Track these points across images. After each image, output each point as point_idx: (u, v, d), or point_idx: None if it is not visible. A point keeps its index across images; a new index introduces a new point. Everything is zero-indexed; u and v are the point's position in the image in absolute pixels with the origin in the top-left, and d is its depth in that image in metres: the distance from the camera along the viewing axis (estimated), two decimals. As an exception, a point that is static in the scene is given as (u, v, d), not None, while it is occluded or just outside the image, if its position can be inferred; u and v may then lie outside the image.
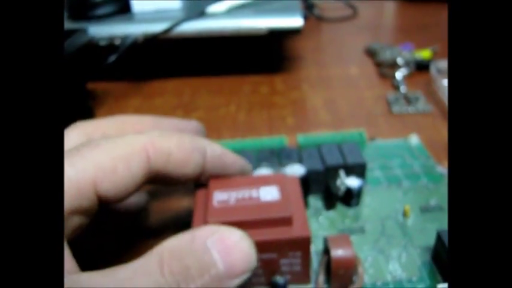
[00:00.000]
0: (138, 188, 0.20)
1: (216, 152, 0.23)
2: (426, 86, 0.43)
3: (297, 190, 0.23)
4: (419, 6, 0.64)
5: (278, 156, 0.29)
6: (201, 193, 0.23)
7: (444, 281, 0.22)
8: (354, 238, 0.25)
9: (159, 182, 0.22)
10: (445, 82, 0.42)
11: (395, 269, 0.23)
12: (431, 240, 0.25)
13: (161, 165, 0.20)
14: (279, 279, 0.22)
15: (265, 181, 0.23)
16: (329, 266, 0.22)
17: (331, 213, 0.27)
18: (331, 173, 0.28)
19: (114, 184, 0.19)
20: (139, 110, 0.43)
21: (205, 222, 0.21)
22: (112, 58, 0.42)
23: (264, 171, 0.27)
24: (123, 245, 0.27)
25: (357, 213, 0.27)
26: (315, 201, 0.28)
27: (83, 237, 0.21)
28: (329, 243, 0.22)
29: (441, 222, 0.26)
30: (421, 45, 0.51)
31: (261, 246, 0.20)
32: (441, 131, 0.36)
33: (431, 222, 0.26)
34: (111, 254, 0.26)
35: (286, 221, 0.21)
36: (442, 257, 0.22)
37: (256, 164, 0.28)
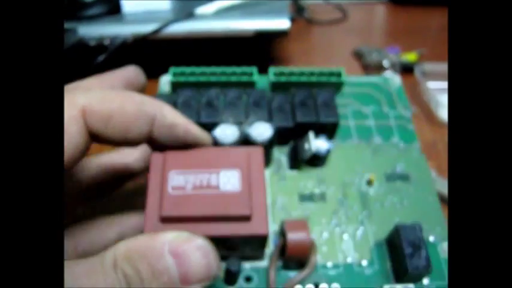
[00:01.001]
0: (83, 152, 0.20)
1: (166, 121, 0.21)
2: (411, 88, 0.43)
3: (259, 169, 0.22)
4: (408, 10, 0.64)
5: (246, 104, 0.26)
6: (156, 165, 0.21)
7: (393, 266, 0.23)
8: (313, 207, 0.25)
9: (105, 143, 0.20)
10: (429, 84, 0.43)
11: (348, 249, 0.24)
12: (390, 217, 0.25)
13: (100, 129, 0.19)
14: (233, 265, 0.22)
15: (226, 161, 0.21)
16: (284, 249, 0.22)
17: (294, 172, 0.26)
18: (300, 130, 0.26)
19: None
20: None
21: (159, 214, 0.20)
22: (101, 58, 0.42)
23: (227, 129, 0.25)
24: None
25: (320, 175, 0.26)
26: (279, 154, 0.27)
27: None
28: (286, 227, 0.22)
29: (403, 194, 0.26)
30: (408, 49, 0.51)
31: (217, 240, 0.20)
32: (425, 132, 0.36)
33: (394, 194, 0.26)
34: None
35: (245, 218, 0.20)
36: (396, 246, 0.23)
37: (222, 109, 0.26)
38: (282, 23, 0.42)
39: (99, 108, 0.19)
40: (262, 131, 0.24)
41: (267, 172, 0.26)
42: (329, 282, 0.23)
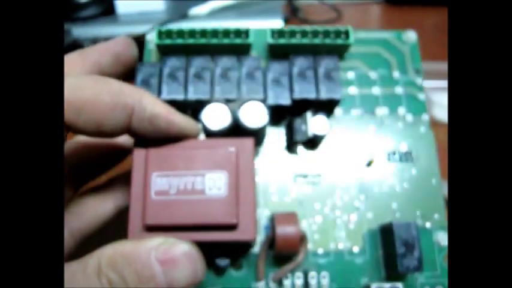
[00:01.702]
0: None
1: (146, 112, 0.19)
2: None
3: (248, 167, 0.20)
4: (402, 10, 0.63)
5: (238, 77, 0.23)
6: (138, 164, 0.20)
7: (384, 259, 0.23)
8: (308, 190, 0.24)
9: (79, 133, 0.19)
10: (423, 83, 0.39)
11: (340, 236, 0.23)
12: (387, 202, 0.24)
13: (71, 119, 0.18)
14: (221, 261, 0.21)
15: (213, 160, 0.20)
16: (273, 242, 0.22)
17: (289, 152, 0.25)
18: (298, 107, 0.23)
19: None
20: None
21: (143, 222, 0.19)
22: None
23: (216, 111, 0.22)
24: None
25: (317, 154, 0.24)
26: (274, 132, 0.25)
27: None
28: (275, 222, 0.21)
29: (404, 176, 0.24)
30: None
31: (203, 245, 0.19)
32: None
33: (394, 176, 0.24)
34: None
35: (231, 227, 0.19)
36: (389, 243, 0.22)
37: (212, 82, 0.23)
38: (275, 23, 0.44)
39: (70, 97, 0.18)
40: (255, 115, 0.22)
41: (261, 150, 0.24)
42: (318, 271, 0.23)
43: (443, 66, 0.45)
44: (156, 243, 0.18)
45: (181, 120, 0.20)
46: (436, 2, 0.60)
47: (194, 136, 0.21)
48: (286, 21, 0.51)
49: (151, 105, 0.19)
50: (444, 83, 0.46)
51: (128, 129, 0.19)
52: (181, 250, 0.18)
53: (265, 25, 0.42)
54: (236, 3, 0.47)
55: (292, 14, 0.61)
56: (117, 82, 0.19)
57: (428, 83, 0.43)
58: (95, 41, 0.43)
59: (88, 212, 0.22)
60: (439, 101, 0.42)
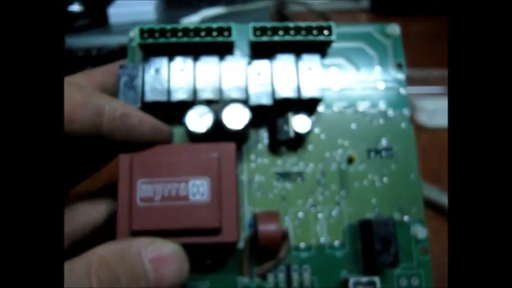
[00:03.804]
0: None
1: (117, 111, 0.20)
2: None
3: (230, 172, 0.21)
4: (388, 19, 0.61)
5: (220, 77, 0.24)
6: (123, 170, 0.21)
7: (363, 253, 0.23)
8: (290, 186, 0.24)
9: None
10: (408, 90, 0.39)
11: (321, 230, 0.24)
12: (367, 197, 0.24)
13: None
14: (207, 261, 0.23)
15: (195, 167, 0.20)
16: (256, 240, 0.22)
17: (272, 150, 0.25)
18: (280, 106, 0.24)
19: None
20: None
21: (130, 227, 0.20)
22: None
23: (199, 113, 0.22)
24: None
25: (299, 152, 0.25)
26: (257, 130, 0.25)
27: None
28: (257, 220, 0.22)
29: (384, 171, 0.25)
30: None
31: (188, 247, 0.20)
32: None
33: (374, 171, 0.25)
34: None
35: (215, 231, 0.20)
36: (367, 239, 0.23)
37: (194, 83, 0.23)
38: None
39: None
40: (237, 116, 0.22)
41: (244, 149, 0.25)
42: (300, 265, 0.24)
43: (427, 73, 0.48)
44: (145, 242, 0.18)
45: (152, 120, 0.21)
46: (420, 11, 0.65)
47: (167, 136, 0.21)
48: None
49: (122, 106, 0.20)
50: (427, 89, 0.48)
51: (99, 131, 0.19)
52: (169, 249, 0.19)
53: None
54: (226, 13, 0.49)
55: (281, 22, 0.61)
56: (90, 87, 0.20)
57: (412, 89, 0.45)
58: (88, 50, 0.44)
59: (80, 217, 0.23)
60: (422, 107, 0.45)
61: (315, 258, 0.23)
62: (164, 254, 0.18)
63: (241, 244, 0.23)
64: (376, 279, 0.22)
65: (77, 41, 0.44)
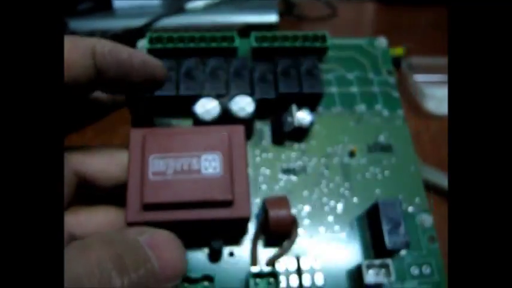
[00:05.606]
0: None
1: (107, 46, 0.20)
2: (398, 81, 0.44)
3: (241, 150, 0.21)
4: (396, 8, 0.65)
5: (226, 75, 0.25)
6: (135, 146, 0.21)
7: (372, 241, 0.23)
8: (295, 179, 0.25)
9: None
10: (416, 78, 0.42)
11: (329, 222, 0.24)
12: (371, 188, 0.25)
13: None
14: (215, 243, 0.22)
15: (207, 143, 0.21)
16: (266, 226, 0.22)
17: (277, 144, 0.26)
18: (283, 101, 0.25)
19: None
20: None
21: (141, 201, 0.20)
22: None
23: (207, 104, 0.24)
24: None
25: (303, 147, 0.26)
26: (262, 125, 0.26)
27: None
28: (267, 205, 0.22)
29: (385, 164, 0.26)
30: (395, 44, 0.51)
31: (199, 223, 0.20)
32: (410, 124, 0.36)
33: (376, 165, 0.25)
34: None
35: (227, 203, 0.20)
36: (375, 222, 0.23)
37: (202, 80, 0.25)
38: (271, 17, 0.45)
39: None
40: (243, 105, 0.24)
41: (249, 144, 0.25)
42: (310, 256, 0.23)
43: (435, 61, 0.48)
44: (138, 230, 0.18)
45: (143, 54, 0.21)
46: (428, 1, 0.62)
47: (159, 70, 0.21)
48: (281, 16, 0.52)
49: (110, 42, 0.20)
50: (436, 77, 0.48)
51: (95, 73, 0.19)
52: (164, 236, 0.18)
53: (260, 19, 0.44)
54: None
55: (287, 10, 0.62)
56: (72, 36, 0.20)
57: (421, 77, 0.46)
58: (91, 34, 0.43)
59: (78, 223, 0.22)
60: (431, 94, 0.45)
61: (324, 249, 0.23)
62: (162, 240, 0.18)
63: (250, 232, 0.23)
64: (389, 261, 0.22)
65: (81, 25, 0.45)
